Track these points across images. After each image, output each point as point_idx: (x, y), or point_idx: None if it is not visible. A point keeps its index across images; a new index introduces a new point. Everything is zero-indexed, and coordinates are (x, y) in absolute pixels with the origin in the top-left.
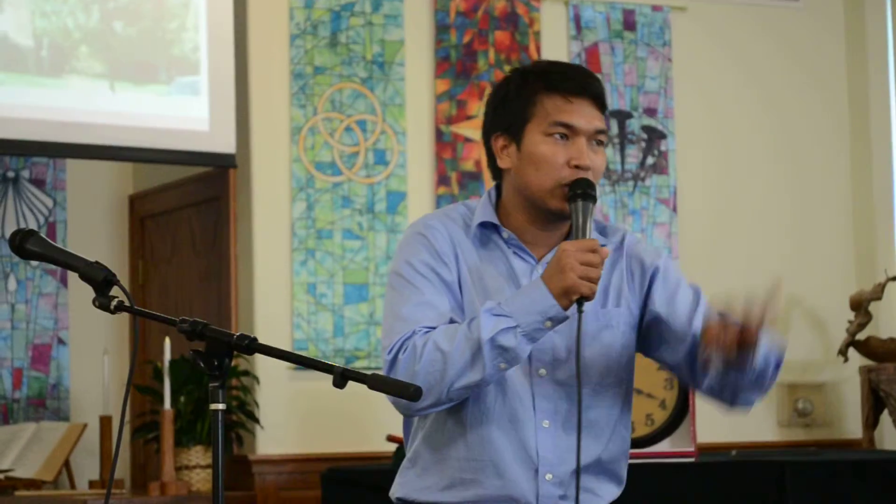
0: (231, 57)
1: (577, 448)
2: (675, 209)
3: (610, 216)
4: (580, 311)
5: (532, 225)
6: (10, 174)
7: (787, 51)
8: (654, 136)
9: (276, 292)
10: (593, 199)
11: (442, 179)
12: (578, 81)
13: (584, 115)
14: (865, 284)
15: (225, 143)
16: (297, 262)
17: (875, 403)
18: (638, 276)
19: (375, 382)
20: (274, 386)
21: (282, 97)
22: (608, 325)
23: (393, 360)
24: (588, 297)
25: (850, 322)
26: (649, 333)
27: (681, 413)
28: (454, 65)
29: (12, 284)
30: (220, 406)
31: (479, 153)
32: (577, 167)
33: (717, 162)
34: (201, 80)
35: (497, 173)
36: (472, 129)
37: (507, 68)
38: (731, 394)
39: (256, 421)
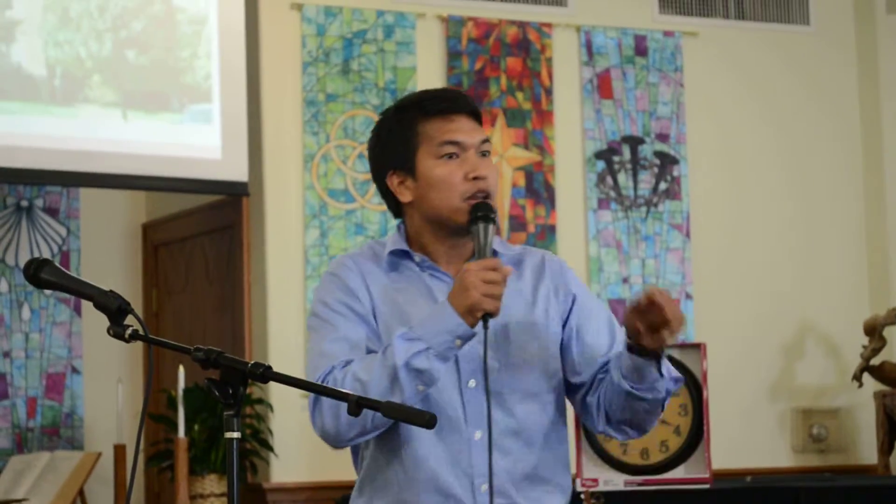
0: (243, 85)
1: (489, 457)
2: (688, 234)
3: (623, 242)
4: (486, 328)
5: (442, 245)
6: (24, 203)
7: (798, 75)
8: (667, 162)
9: (290, 319)
10: (493, 220)
11: None
12: (451, 100)
13: (465, 131)
14: (879, 309)
15: (237, 171)
16: (311, 290)
17: (890, 429)
18: (562, 295)
19: (390, 410)
20: (288, 414)
21: (294, 125)
22: (536, 334)
23: (315, 398)
24: (492, 314)
25: (864, 347)
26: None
27: (695, 439)
28: (466, 91)
29: (26, 313)
30: (235, 435)
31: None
32: (475, 178)
33: (730, 187)
34: (213, 109)
35: (397, 211)
36: None
37: (519, 95)
38: (636, 419)
39: (270, 449)
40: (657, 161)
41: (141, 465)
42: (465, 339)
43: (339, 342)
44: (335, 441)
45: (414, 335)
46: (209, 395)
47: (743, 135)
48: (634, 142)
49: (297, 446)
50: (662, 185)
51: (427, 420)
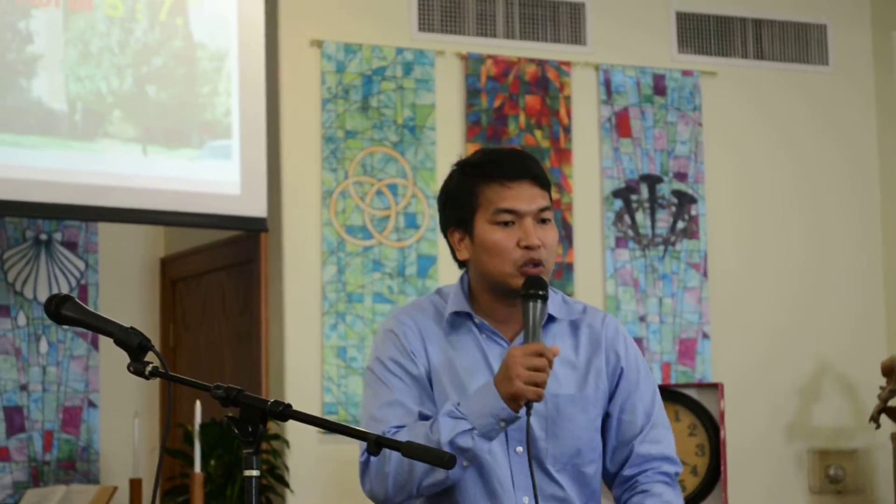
0: (263, 121)
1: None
2: (705, 274)
3: (640, 281)
4: (528, 415)
5: (499, 304)
6: (43, 237)
7: (817, 115)
8: (685, 201)
9: (307, 356)
10: (544, 298)
11: None
12: (513, 166)
13: (523, 198)
14: None
15: (256, 207)
16: (328, 326)
17: None
18: (612, 364)
19: (410, 450)
20: (304, 450)
21: (313, 161)
22: (584, 408)
23: (366, 461)
24: (535, 401)
25: (881, 388)
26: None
27: (712, 479)
28: (485, 129)
29: (44, 347)
30: (255, 473)
31: None
32: (527, 248)
33: (748, 226)
34: (233, 145)
35: (462, 263)
36: None
37: (537, 133)
38: None
39: (287, 485)
40: (675, 200)
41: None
42: (509, 422)
43: (392, 406)
44: (384, 503)
45: (460, 414)
46: (226, 431)
47: (761, 174)
48: (652, 181)
49: (312, 482)
50: (680, 224)
51: (447, 461)
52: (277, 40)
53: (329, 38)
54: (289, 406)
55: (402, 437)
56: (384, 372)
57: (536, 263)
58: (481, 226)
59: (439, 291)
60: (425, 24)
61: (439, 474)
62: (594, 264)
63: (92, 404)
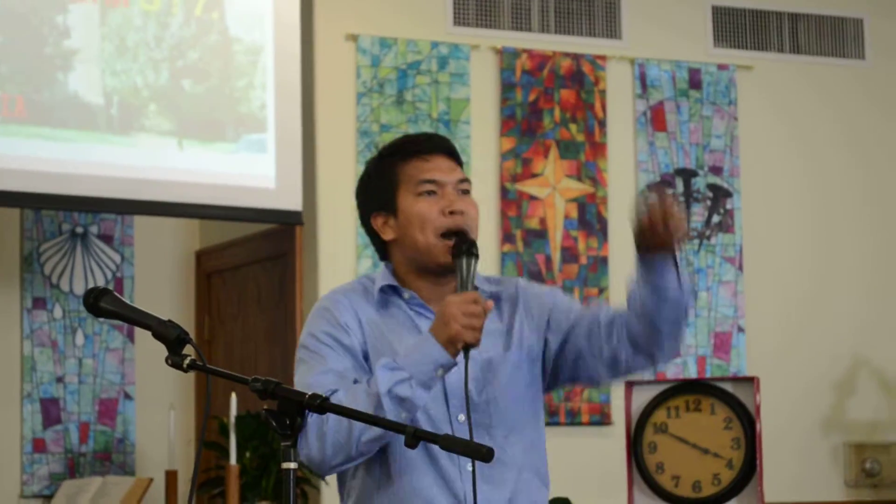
0: (298, 115)
1: (472, 477)
2: (740, 268)
3: None
4: (466, 358)
5: (426, 282)
6: (79, 230)
7: (853, 109)
8: (720, 195)
9: None
10: (475, 255)
11: (507, 237)
12: (428, 141)
13: (442, 169)
14: None
15: (291, 201)
16: None
17: None
18: (536, 314)
19: (447, 442)
20: None
21: (348, 155)
22: (515, 370)
23: (302, 425)
24: (473, 345)
25: None
26: (562, 359)
27: (748, 473)
28: (520, 123)
29: (80, 339)
30: (292, 465)
31: (545, 211)
32: (451, 213)
33: (784, 220)
34: (268, 138)
35: (384, 252)
36: (537, 187)
37: (572, 127)
38: (653, 340)
39: (322, 477)
40: (710, 194)
41: None
42: (447, 368)
43: (326, 374)
44: (319, 467)
45: (396, 365)
46: (261, 423)
47: (797, 168)
48: (688, 174)
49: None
50: (715, 218)
51: (484, 453)
52: (313, 34)
53: (364, 32)
54: (326, 399)
55: (338, 397)
56: (317, 344)
57: (462, 230)
58: (404, 201)
59: (366, 276)
60: (460, 19)
61: (377, 430)
62: (629, 258)
63: (128, 396)
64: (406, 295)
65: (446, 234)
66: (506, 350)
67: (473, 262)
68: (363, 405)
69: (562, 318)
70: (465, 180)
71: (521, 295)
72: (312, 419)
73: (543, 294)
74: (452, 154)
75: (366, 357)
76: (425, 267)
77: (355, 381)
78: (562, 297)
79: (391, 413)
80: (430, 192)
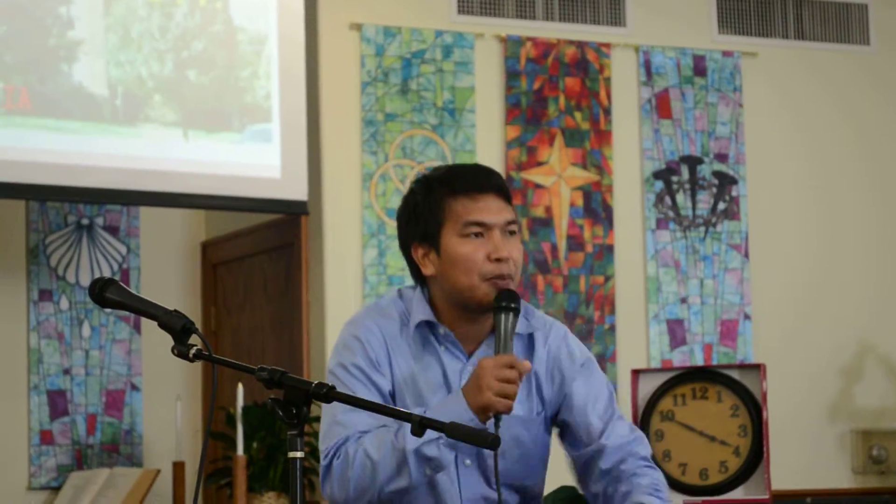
0: (303, 104)
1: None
2: (746, 255)
3: (681, 262)
4: (497, 427)
5: (463, 321)
6: (85, 221)
7: (858, 95)
8: (725, 182)
9: None
10: (516, 311)
11: None
12: (479, 180)
13: (491, 211)
14: None
15: (297, 191)
16: None
17: None
18: (557, 382)
19: (454, 431)
20: None
21: (353, 144)
22: (528, 429)
23: (328, 465)
24: (504, 413)
25: None
26: (561, 429)
27: (755, 460)
28: (525, 111)
29: (86, 331)
30: (299, 454)
31: (550, 199)
32: (497, 260)
33: (789, 207)
34: (273, 128)
35: (421, 280)
36: (542, 176)
37: (577, 115)
38: None
39: None
40: (716, 181)
41: None
42: None
43: (356, 412)
44: None
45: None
46: (268, 413)
47: (802, 155)
48: (693, 162)
49: None
50: (721, 206)
51: (490, 442)
52: (317, 23)
53: (368, 21)
54: (332, 388)
55: (365, 445)
56: (348, 377)
57: (505, 276)
58: (449, 239)
59: (401, 295)
60: (464, 7)
61: (401, 481)
62: (635, 246)
63: (135, 388)
64: (441, 331)
65: (491, 280)
66: (525, 406)
67: (513, 318)
68: (388, 458)
69: (579, 422)
70: (513, 221)
71: (550, 349)
72: (338, 461)
73: (574, 365)
74: (502, 192)
75: (392, 389)
76: (465, 306)
77: (384, 427)
78: (590, 383)
79: (415, 470)
80: (477, 234)
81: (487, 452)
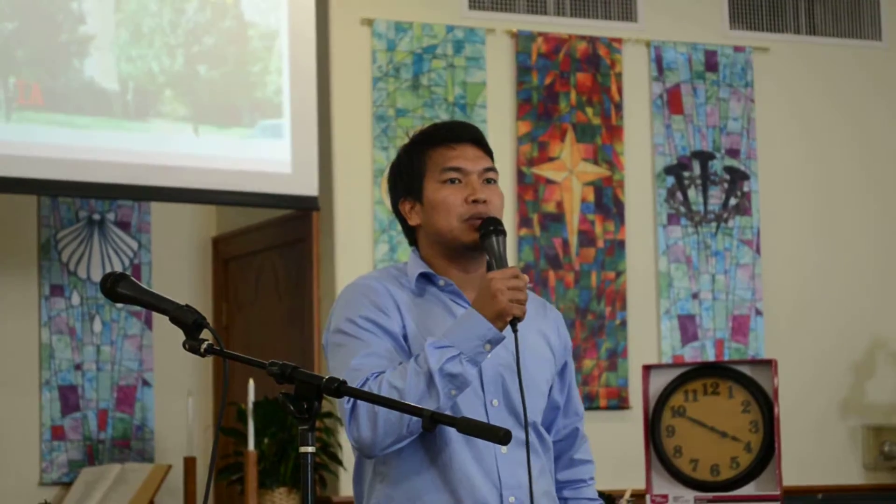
0: (314, 100)
1: (528, 463)
2: (758, 250)
3: (693, 257)
4: (515, 331)
5: (455, 268)
6: (96, 217)
7: (870, 89)
8: (737, 177)
9: None
10: (503, 233)
11: (524, 221)
12: (456, 129)
13: (468, 158)
14: None
15: (308, 186)
16: None
17: None
18: (559, 349)
19: (465, 426)
20: None
21: (364, 139)
22: (544, 367)
23: (353, 406)
24: (520, 318)
25: None
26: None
27: (766, 456)
28: (536, 106)
29: (98, 326)
30: (310, 449)
31: (562, 195)
32: (474, 201)
33: (801, 202)
34: (284, 124)
35: (412, 237)
36: (553, 171)
37: (588, 110)
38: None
39: (340, 463)
40: (727, 176)
41: None
42: (495, 343)
43: (369, 357)
44: (371, 449)
45: (445, 343)
46: (279, 409)
47: (814, 150)
48: (704, 157)
49: None
50: (733, 201)
51: (501, 436)
52: (328, 19)
53: (379, 16)
54: (343, 382)
55: (387, 377)
56: (356, 328)
57: (483, 217)
58: (429, 188)
59: (394, 266)
60: (476, 2)
61: (430, 404)
62: (646, 241)
63: (146, 383)
64: (441, 282)
65: (469, 220)
66: (539, 345)
67: (502, 238)
68: (413, 384)
69: (573, 394)
70: (491, 169)
71: (550, 313)
72: (362, 401)
73: (568, 341)
74: (479, 142)
75: (405, 339)
76: (451, 250)
77: (399, 363)
78: (572, 363)
79: (442, 389)
80: (455, 181)
81: (510, 388)
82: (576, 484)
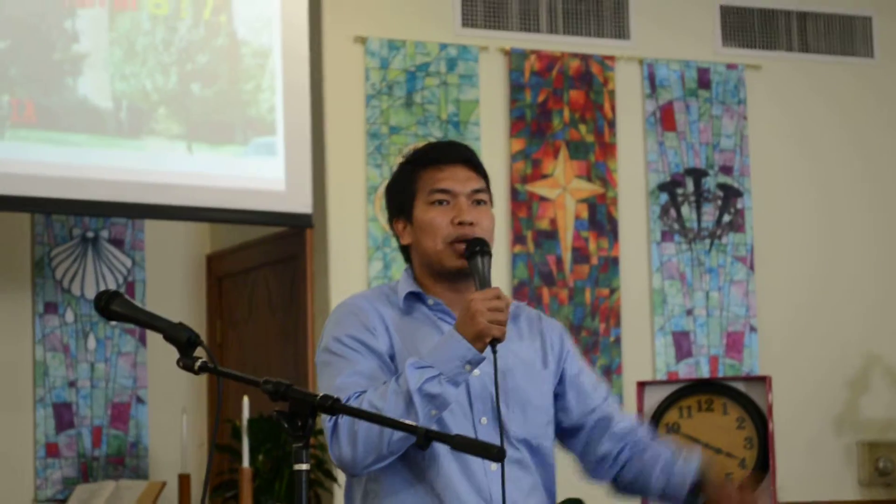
0: (307, 117)
1: (502, 478)
2: (752, 267)
3: (686, 274)
4: (494, 353)
5: (444, 289)
6: (90, 234)
7: (863, 107)
8: (730, 194)
9: None
10: (489, 254)
11: (518, 238)
12: (446, 150)
13: (457, 179)
14: None
15: (301, 203)
16: None
17: None
18: (557, 349)
19: (459, 443)
20: None
21: (357, 157)
22: (534, 379)
23: (334, 425)
24: (499, 339)
25: None
26: (557, 398)
27: (761, 472)
28: (529, 124)
29: (92, 343)
30: (304, 466)
31: (555, 212)
32: (460, 223)
33: (794, 219)
34: (278, 141)
35: (406, 255)
36: (547, 188)
37: (581, 127)
38: (631, 490)
39: (335, 479)
40: (721, 193)
41: None
42: (475, 364)
43: (353, 376)
44: (352, 468)
45: (425, 363)
46: (274, 426)
47: (807, 166)
48: (698, 174)
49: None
50: (726, 218)
51: (495, 453)
52: (321, 37)
53: (372, 34)
54: (337, 400)
55: (368, 396)
56: (342, 348)
57: (469, 239)
58: (419, 207)
59: (386, 285)
60: (469, 20)
61: (423, 429)
62: (640, 258)
63: (140, 400)
64: (430, 301)
65: (454, 243)
66: (528, 359)
67: (487, 259)
68: (393, 404)
69: (586, 388)
70: (481, 190)
71: (545, 322)
72: (343, 420)
73: (568, 345)
74: (471, 163)
75: (392, 359)
76: (438, 272)
77: (384, 383)
78: (588, 370)
79: (421, 409)
80: (442, 202)
81: (502, 408)
82: (637, 443)
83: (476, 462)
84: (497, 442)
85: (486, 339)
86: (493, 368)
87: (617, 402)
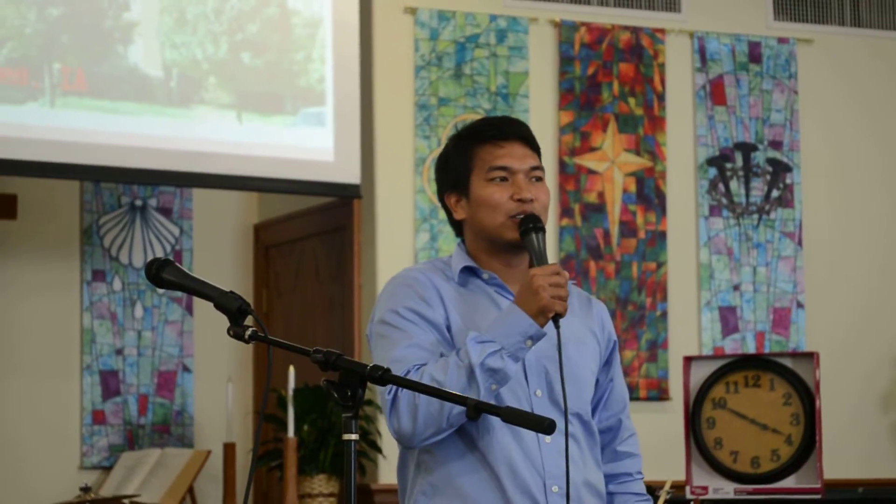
0: (356, 88)
1: (566, 452)
2: (800, 243)
3: (734, 249)
4: (557, 327)
5: (499, 263)
6: (138, 202)
7: None
8: (780, 169)
9: None
10: (543, 230)
11: (565, 211)
12: (504, 128)
13: (515, 156)
14: None
15: (350, 174)
16: None
17: None
18: (605, 335)
19: (510, 415)
20: None
21: (406, 128)
22: (590, 359)
23: (394, 398)
24: (561, 314)
25: None
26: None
27: (807, 449)
28: (578, 96)
29: (139, 312)
30: (353, 437)
31: (603, 185)
32: (519, 200)
33: (843, 195)
34: (327, 111)
35: (458, 229)
36: (595, 161)
37: (631, 101)
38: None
39: (379, 451)
40: (770, 168)
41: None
42: (536, 339)
43: (412, 348)
44: (410, 440)
45: (486, 337)
46: (320, 396)
47: (856, 143)
48: (747, 149)
49: None
50: (775, 193)
51: (546, 426)
52: (371, 7)
53: (423, 5)
54: (388, 370)
55: (428, 369)
56: (400, 319)
57: (528, 214)
58: (476, 184)
59: (439, 259)
60: None
61: (473, 400)
62: (687, 233)
63: (186, 369)
64: (485, 276)
65: (515, 217)
66: (583, 336)
67: (542, 235)
68: (454, 377)
69: (616, 392)
70: (538, 167)
71: (594, 305)
72: (403, 394)
73: (614, 336)
74: (527, 140)
75: (448, 330)
76: (495, 245)
77: (441, 355)
78: (620, 372)
79: (483, 384)
80: (502, 179)
81: (553, 379)
82: (621, 478)
83: (530, 435)
84: (551, 415)
85: (549, 315)
86: (557, 343)
87: (629, 415)
